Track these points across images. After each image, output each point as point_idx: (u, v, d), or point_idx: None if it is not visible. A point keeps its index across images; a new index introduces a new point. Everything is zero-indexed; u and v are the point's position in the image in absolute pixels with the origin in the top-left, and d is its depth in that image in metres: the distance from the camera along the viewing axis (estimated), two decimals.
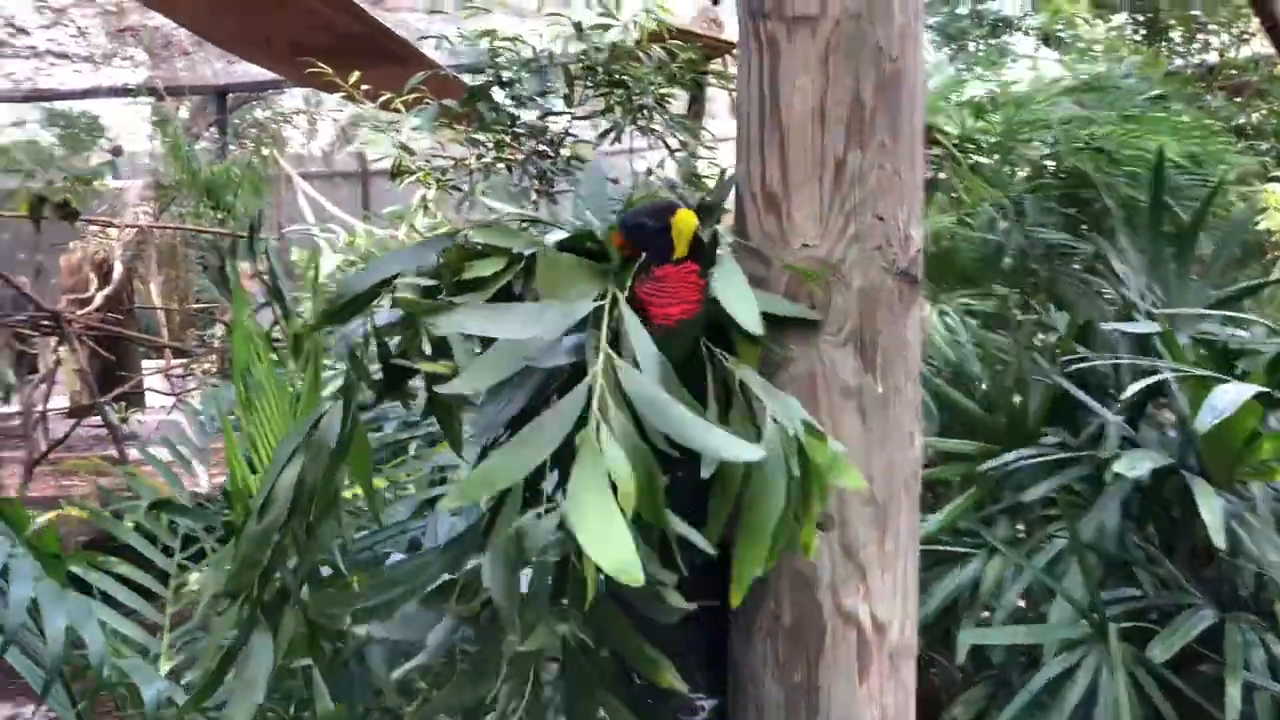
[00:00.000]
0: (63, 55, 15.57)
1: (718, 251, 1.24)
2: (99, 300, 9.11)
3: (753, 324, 1.13)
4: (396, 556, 1.67)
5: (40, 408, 8.54)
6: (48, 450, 7.84)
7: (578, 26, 5.15)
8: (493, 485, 0.93)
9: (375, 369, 1.29)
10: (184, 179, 11.44)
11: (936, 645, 2.91)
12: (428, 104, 5.31)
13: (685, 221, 1.24)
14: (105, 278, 10.19)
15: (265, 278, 2.04)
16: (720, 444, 0.99)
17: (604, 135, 5.62)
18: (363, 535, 2.37)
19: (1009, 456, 3.06)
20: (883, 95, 1.27)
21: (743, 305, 1.13)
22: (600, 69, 5.24)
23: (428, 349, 1.17)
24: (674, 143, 5.73)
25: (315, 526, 1.37)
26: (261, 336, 1.88)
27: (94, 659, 1.68)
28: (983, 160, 5.14)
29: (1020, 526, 2.94)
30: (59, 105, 15.81)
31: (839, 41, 1.25)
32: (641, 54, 5.18)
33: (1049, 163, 4.80)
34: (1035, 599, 3.00)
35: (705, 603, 1.20)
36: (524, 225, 1.31)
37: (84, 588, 2.19)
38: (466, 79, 5.54)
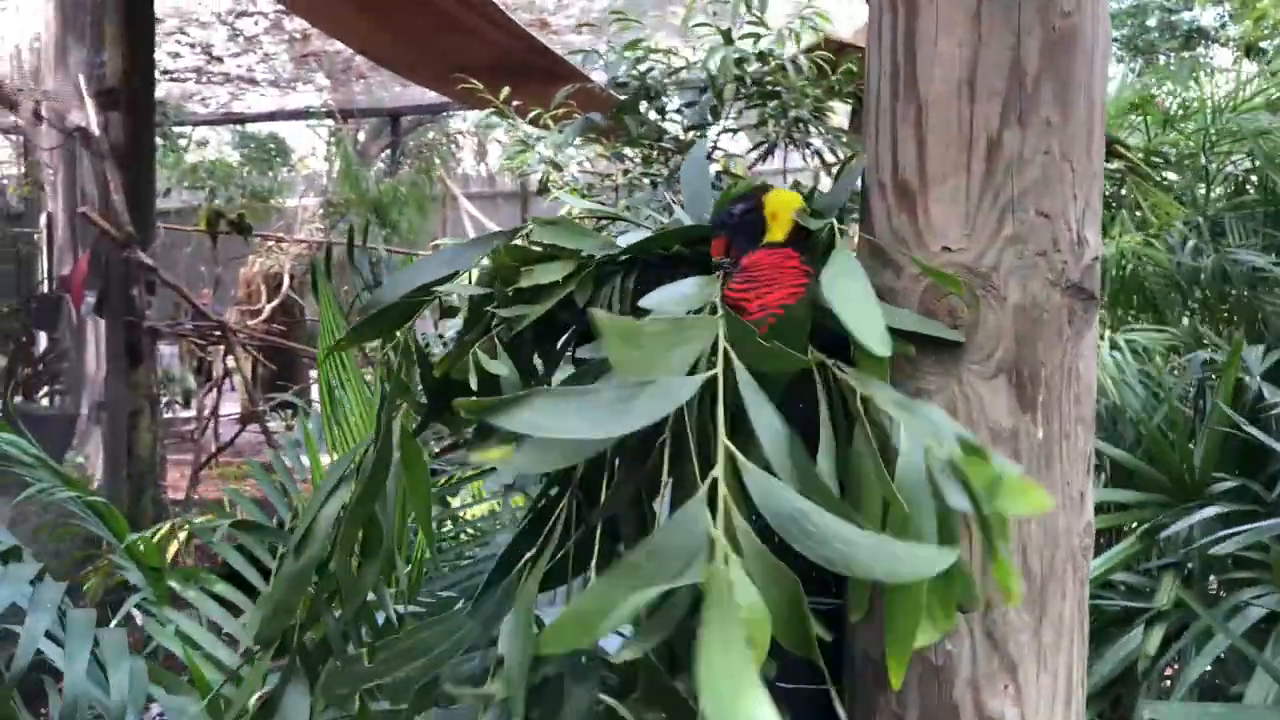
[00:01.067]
0: (251, 80, 16.50)
1: (835, 249, 0.98)
2: (266, 312, 9.46)
3: (874, 338, 0.86)
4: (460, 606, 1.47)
5: (209, 413, 8.93)
6: (213, 454, 8.16)
7: (726, 35, 4.95)
8: (591, 630, 0.68)
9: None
10: (352, 197, 11.87)
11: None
12: (575, 119, 5.22)
13: (782, 201, 1.02)
14: (275, 290, 10.63)
15: (368, 287, 1.90)
16: (891, 562, 0.71)
17: (755, 148, 5.41)
18: (464, 565, 2.21)
19: (1203, 510, 2.70)
20: (1050, 59, 0.99)
21: (862, 314, 0.87)
22: (751, 80, 5.02)
23: (474, 381, 0.96)
24: (832, 159, 5.45)
25: (362, 566, 1.19)
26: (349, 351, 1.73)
27: (114, 709, 1.54)
28: (1171, 176, 4.65)
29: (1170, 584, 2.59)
30: (250, 127, 16.75)
31: None
32: (796, 64, 4.94)
33: (1253, 178, 4.29)
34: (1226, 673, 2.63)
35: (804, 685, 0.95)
36: (600, 223, 1.10)
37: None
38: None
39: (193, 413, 9.94)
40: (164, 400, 9.88)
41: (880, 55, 1.06)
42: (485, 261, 1.02)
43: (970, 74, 0.99)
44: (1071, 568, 1.03)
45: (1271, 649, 2.44)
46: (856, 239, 1.11)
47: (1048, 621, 1.02)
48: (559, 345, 1.08)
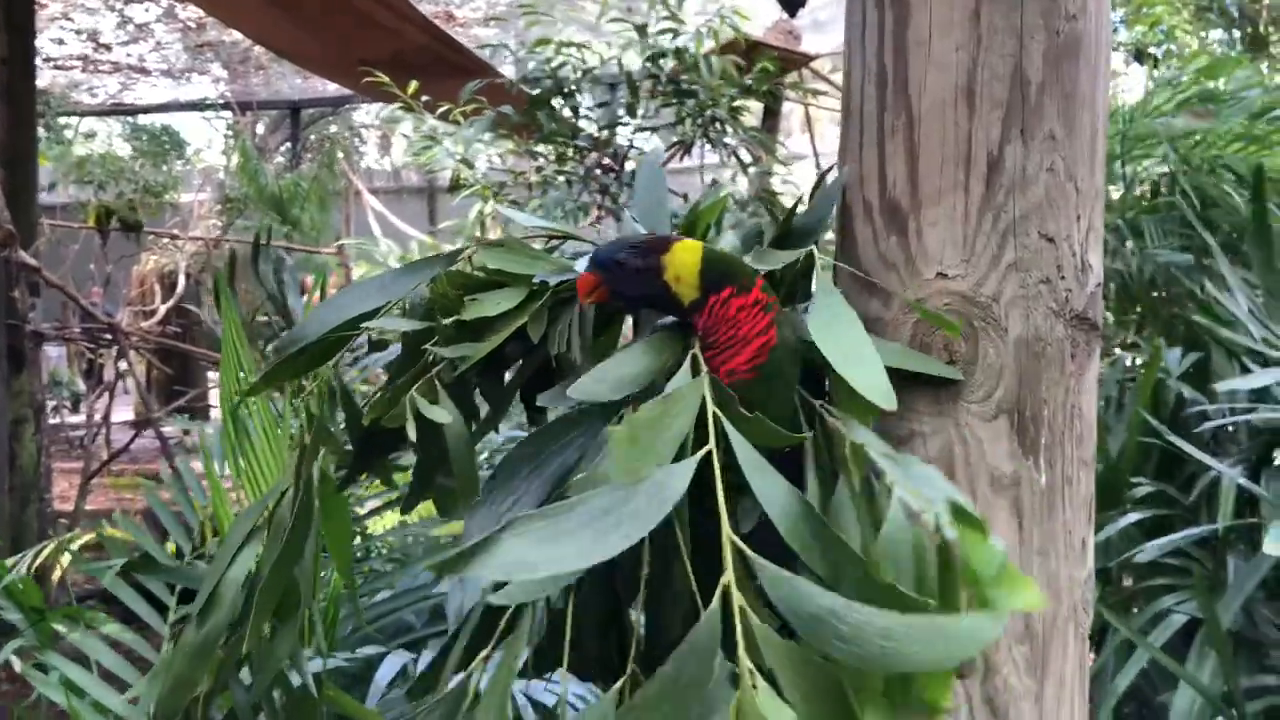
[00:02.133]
0: (143, 70, 15.79)
1: (814, 284, 0.87)
2: (161, 312, 9.03)
3: (879, 392, 0.75)
4: (389, 662, 1.32)
5: (100, 419, 8.48)
6: (105, 463, 7.75)
7: (641, 30, 4.84)
8: None
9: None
10: (251, 192, 11.45)
11: None
12: (485, 115, 5.06)
13: (683, 262, 0.86)
14: (170, 290, 10.17)
15: (272, 296, 1.73)
16: (939, 644, 0.60)
17: (672, 148, 5.32)
18: (381, 600, 2.05)
19: (1125, 517, 2.70)
20: (1055, 67, 0.90)
21: (861, 364, 0.76)
22: (667, 78, 4.93)
23: (413, 430, 0.82)
24: (747, 157, 5.39)
25: (276, 633, 1.05)
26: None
27: None
28: None
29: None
30: (143, 119, 16.04)
31: None
32: (709, 62, 4.86)
33: (1170, 180, 4.35)
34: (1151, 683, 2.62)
35: None
36: (551, 243, 0.97)
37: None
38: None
39: (82, 418, 9.45)
40: (51, 405, 9.37)
41: (864, 58, 0.95)
42: (423, 290, 0.89)
43: (969, 81, 0.89)
44: (1074, 624, 0.94)
45: (1195, 659, 2.44)
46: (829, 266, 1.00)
47: (1050, 684, 0.93)
48: (506, 382, 0.95)
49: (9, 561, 4.39)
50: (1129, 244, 3.74)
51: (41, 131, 12.01)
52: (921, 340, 0.91)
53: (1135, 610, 2.82)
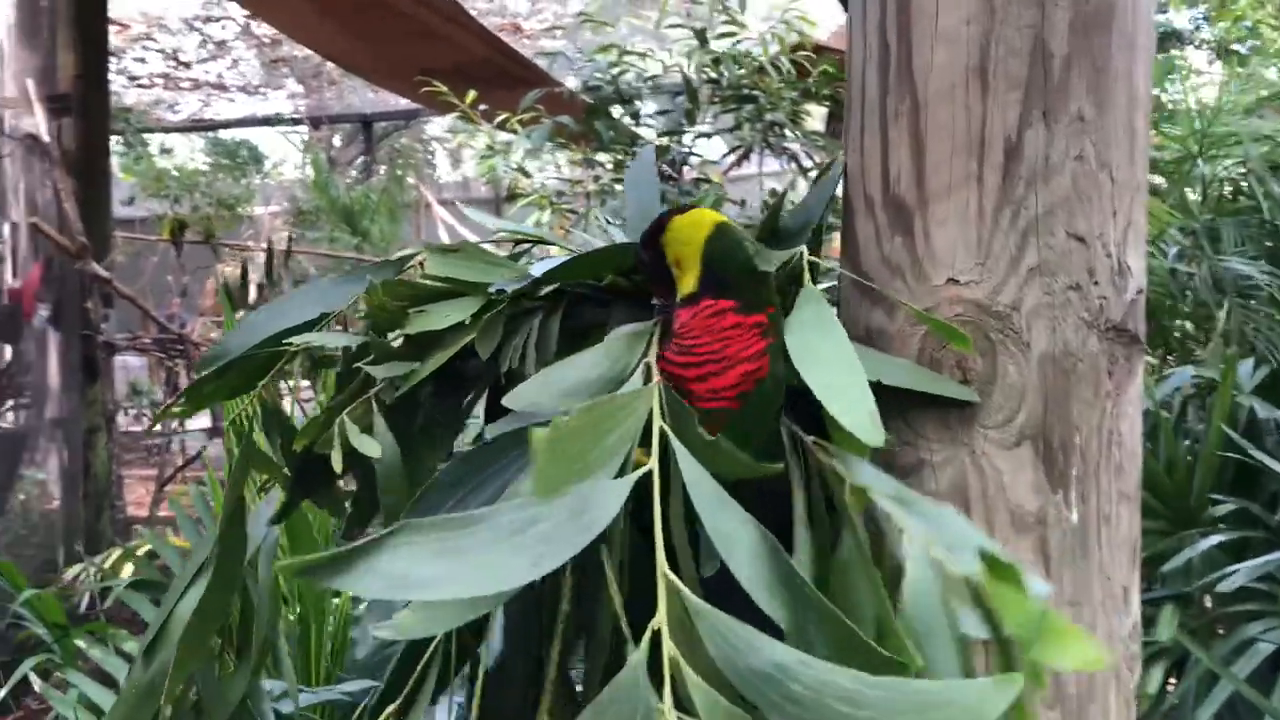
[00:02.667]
0: (221, 86, 16.24)
1: (803, 289, 0.75)
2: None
3: (864, 426, 0.63)
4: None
5: (174, 427, 8.64)
6: (177, 470, 7.89)
7: (700, 35, 4.74)
8: None
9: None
10: (323, 204, 11.63)
11: None
12: (543, 124, 5.02)
13: (683, 239, 0.75)
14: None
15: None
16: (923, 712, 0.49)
17: (730, 152, 5.22)
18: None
19: (1206, 539, 2.51)
20: (1083, 39, 0.78)
21: (844, 390, 0.65)
22: (727, 83, 4.83)
23: (338, 460, 0.73)
24: (810, 164, 5.26)
25: (234, 672, 0.97)
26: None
27: None
28: (1156, 180, 4.46)
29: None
30: (223, 134, 16.46)
31: None
32: (774, 67, 4.76)
33: (1243, 184, 4.12)
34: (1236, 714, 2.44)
35: None
36: (518, 248, 0.88)
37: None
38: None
39: (160, 426, 9.65)
40: (132, 413, 9.60)
41: (865, 35, 0.84)
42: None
43: (981, 58, 0.77)
44: (1115, 685, 0.81)
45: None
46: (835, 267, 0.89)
47: None
48: (465, 403, 0.85)
49: (74, 570, 4.45)
50: (1205, 248, 3.53)
51: (122, 147, 12.36)
52: (931, 356, 0.79)
53: (1219, 636, 2.63)
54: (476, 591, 0.48)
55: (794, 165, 5.18)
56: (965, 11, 0.78)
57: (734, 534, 0.58)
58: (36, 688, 1.99)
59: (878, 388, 0.67)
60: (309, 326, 0.79)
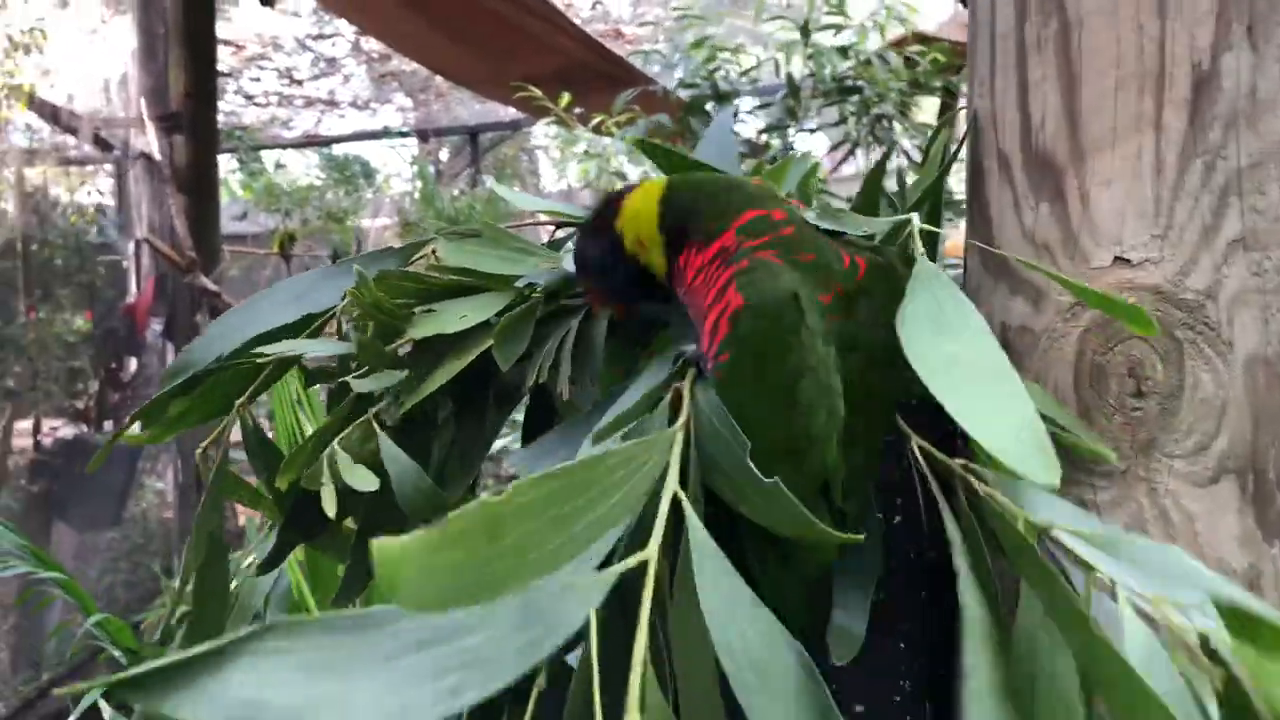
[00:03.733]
0: (332, 103, 16.72)
1: (916, 267, 0.56)
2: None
3: (1032, 463, 0.44)
4: None
5: None
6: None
7: (804, 28, 4.54)
8: None
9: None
10: (428, 215, 11.80)
11: None
12: (638, 123, 4.90)
13: (639, 205, 0.61)
14: None
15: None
16: None
17: (836, 148, 5.01)
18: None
19: None
20: None
21: (994, 413, 0.46)
22: (831, 76, 4.62)
23: (330, 503, 0.57)
24: (918, 157, 5.01)
25: None
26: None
27: None
28: None
29: None
30: (336, 149, 16.92)
31: None
32: (884, 58, 4.54)
33: None
34: None
35: None
36: (559, 234, 0.71)
37: None
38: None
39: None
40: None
41: None
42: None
43: None
44: None
45: None
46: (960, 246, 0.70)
47: None
48: (490, 423, 0.69)
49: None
50: None
51: (235, 164, 12.77)
52: (1093, 361, 0.59)
53: None
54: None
55: (904, 160, 4.95)
56: None
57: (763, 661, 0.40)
58: (106, 716, 1.93)
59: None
60: (289, 331, 0.64)
